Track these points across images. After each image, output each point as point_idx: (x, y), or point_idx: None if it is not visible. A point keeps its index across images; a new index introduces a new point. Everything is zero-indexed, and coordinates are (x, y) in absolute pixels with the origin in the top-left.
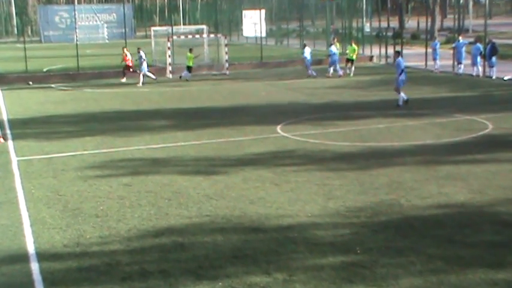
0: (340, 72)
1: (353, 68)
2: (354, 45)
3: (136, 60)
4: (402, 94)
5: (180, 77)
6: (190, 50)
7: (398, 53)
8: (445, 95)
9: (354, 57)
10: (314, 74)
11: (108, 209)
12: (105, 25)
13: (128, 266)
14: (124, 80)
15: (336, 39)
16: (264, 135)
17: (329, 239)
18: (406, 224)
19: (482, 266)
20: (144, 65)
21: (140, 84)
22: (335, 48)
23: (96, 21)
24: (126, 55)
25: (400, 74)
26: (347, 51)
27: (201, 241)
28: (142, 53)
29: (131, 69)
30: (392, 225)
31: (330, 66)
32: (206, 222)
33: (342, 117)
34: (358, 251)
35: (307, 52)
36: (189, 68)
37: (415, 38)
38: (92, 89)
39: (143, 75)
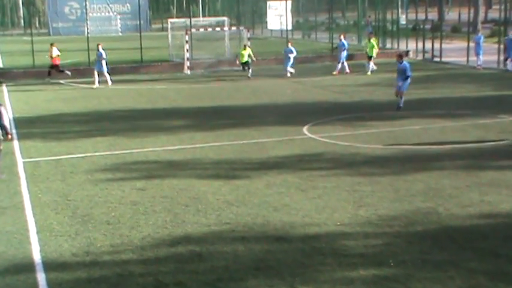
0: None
1: (371, 65)
2: (372, 40)
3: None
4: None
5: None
6: (245, 47)
7: (401, 57)
8: (489, 93)
9: (374, 54)
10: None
11: (121, 216)
12: (119, 17)
13: (141, 277)
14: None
15: (372, 34)
16: (289, 136)
17: (359, 250)
18: (445, 235)
19: None
20: (104, 63)
21: (96, 85)
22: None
23: (108, 12)
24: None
25: (407, 78)
26: (363, 46)
27: (221, 251)
28: (101, 50)
29: (59, 69)
30: (429, 236)
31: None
32: (226, 231)
33: (374, 117)
34: (392, 264)
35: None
36: (244, 64)
37: (455, 31)
38: (104, 86)
39: (99, 75)
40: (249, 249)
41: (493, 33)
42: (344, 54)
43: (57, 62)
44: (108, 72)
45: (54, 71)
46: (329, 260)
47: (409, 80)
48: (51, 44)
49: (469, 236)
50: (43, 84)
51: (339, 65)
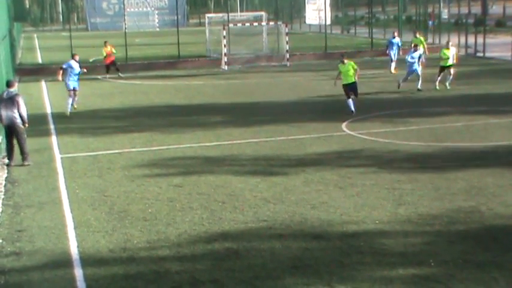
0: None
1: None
2: (419, 36)
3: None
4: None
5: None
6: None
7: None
8: None
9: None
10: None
11: (157, 212)
12: (156, 12)
13: (177, 275)
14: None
15: (417, 32)
16: (327, 133)
17: (399, 249)
18: (488, 234)
19: None
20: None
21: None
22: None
23: (146, 7)
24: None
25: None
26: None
27: (257, 249)
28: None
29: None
30: (471, 235)
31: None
32: (263, 228)
33: (414, 114)
34: (432, 264)
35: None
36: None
37: (500, 25)
38: (141, 81)
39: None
40: (286, 247)
41: None
42: (395, 51)
43: (110, 60)
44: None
45: (112, 68)
46: (367, 258)
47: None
48: (105, 42)
49: None
50: (81, 79)
51: (393, 63)
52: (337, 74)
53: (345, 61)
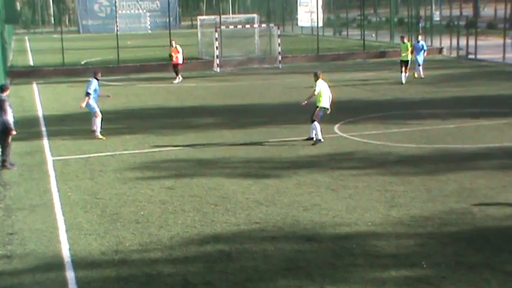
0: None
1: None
2: (406, 41)
3: None
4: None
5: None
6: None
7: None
8: None
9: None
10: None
11: (149, 215)
12: (148, 14)
13: (169, 277)
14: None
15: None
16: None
17: (391, 251)
18: (480, 236)
19: None
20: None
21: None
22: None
23: (138, 9)
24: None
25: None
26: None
27: (250, 251)
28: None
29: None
30: (463, 237)
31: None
32: (255, 231)
33: (407, 116)
34: (424, 266)
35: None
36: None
37: (491, 27)
38: (133, 84)
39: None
40: (278, 249)
41: None
42: (422, 56)
43: (178, 61)
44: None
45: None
46: (360, 260)
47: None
48: (172, 40)
49: (505, 237)
50: (73, 82)
51: (420, 68)
52: (311, 94)
53: (319, 80)
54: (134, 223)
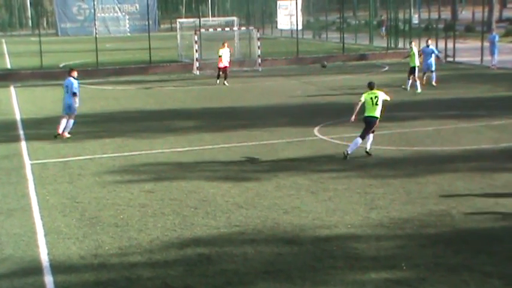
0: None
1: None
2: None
3: None
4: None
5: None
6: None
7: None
8: (504, 94)
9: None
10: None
11: (129, 218)
12: (127, 17)
13: (149, 281)
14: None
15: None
16: (299, 138)
17: (371, 253)
18: (458, 238)
19: None
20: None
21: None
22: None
23: (117, 12)
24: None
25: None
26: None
27: (230, 254)
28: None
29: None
30: (442, 239)
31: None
32: (235, 234)
33: (386, 118)
34: (404, 267)
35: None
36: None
37: (469, 30)
38: (112, 87)
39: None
40: (258, 252)
41: (508, 33)
42: (432, 61)
43: (223, 64)
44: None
45: (222, 73)
46: (340, 263)
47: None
48: (224, 43)
49: (484, 239)
50: (51, 85)
51: (433, 74)
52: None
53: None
54: (113, 227)
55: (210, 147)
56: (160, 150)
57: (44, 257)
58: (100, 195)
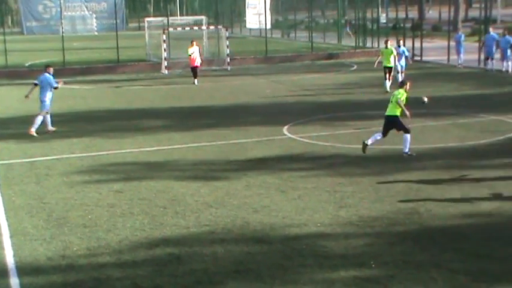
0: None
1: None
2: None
3: None
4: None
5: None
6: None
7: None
8: (470, 92)
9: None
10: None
11: (97, 218)
12: (94, 15)
13: (118, 281)
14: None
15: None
16: (269, 137)
17: (340, 251)
18: (426, 235)
19: None
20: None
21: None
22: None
23: (84, 11)
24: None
25: None
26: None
27: (199, 254)
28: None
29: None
30: (410, 236)
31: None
32: (205, 233)
33: (355, 117)
34: (373, 265)
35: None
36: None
37: (436, 29)
38: (80, 86)
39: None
40: (228, 252)
41: (474, 32)
42: (403, 62)
43: (194, 63)
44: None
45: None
46: (309, 261)
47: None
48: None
49: (451, 236)
50: (16, 84)
51: (399, 74)
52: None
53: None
54: (82, 227)
55: (179, 146)
56: (129, 150)
57: (10, 259)
58: (68, 195)
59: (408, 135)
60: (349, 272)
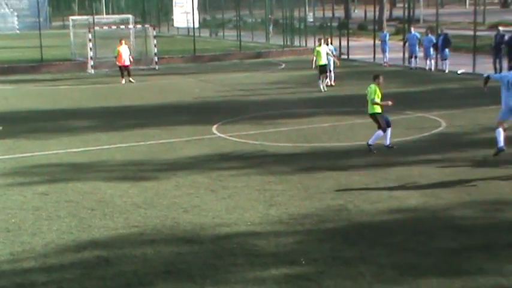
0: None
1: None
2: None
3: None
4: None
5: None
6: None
7: None
8: (395, 90)
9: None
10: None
11: (21, 222)
12: (15, 13)
13: (44, 286)
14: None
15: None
16: (198, 136)
17: (271, 249)
18: (355, 231)
19: (437, 275)
20: None
21: None
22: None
23: (4, 9)
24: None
25: None
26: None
27: (129, 255)
28: None
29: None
30: (339, 233)
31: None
32: (134, 234)
33: (283, 115)
34: (303, 262)
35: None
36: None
37: (362, 28)
38: (1, 86)
39: None
40: (158, 253)
41: (398, 31)
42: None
43: (124, 62)
44: None
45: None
46: (240, 260)
47: None
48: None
49: (378, 231)
50: None
51: (332, 74)
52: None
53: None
54: (5, 232)
55: (107, 147)
56: (54, 151)
57: None
58: None
59: (381, 132)
60: (280, 270)
